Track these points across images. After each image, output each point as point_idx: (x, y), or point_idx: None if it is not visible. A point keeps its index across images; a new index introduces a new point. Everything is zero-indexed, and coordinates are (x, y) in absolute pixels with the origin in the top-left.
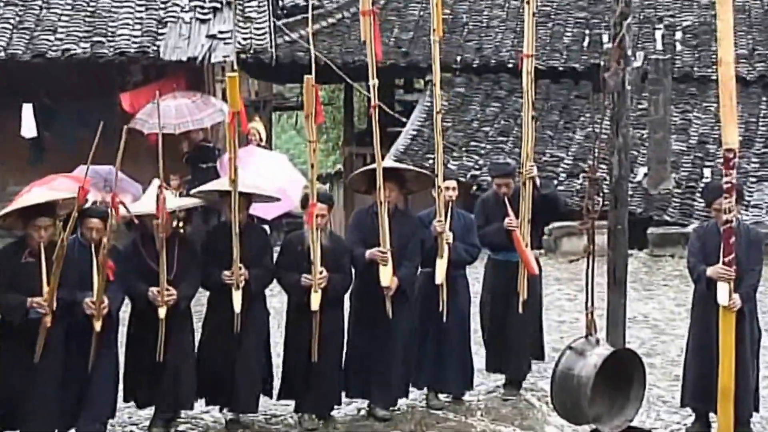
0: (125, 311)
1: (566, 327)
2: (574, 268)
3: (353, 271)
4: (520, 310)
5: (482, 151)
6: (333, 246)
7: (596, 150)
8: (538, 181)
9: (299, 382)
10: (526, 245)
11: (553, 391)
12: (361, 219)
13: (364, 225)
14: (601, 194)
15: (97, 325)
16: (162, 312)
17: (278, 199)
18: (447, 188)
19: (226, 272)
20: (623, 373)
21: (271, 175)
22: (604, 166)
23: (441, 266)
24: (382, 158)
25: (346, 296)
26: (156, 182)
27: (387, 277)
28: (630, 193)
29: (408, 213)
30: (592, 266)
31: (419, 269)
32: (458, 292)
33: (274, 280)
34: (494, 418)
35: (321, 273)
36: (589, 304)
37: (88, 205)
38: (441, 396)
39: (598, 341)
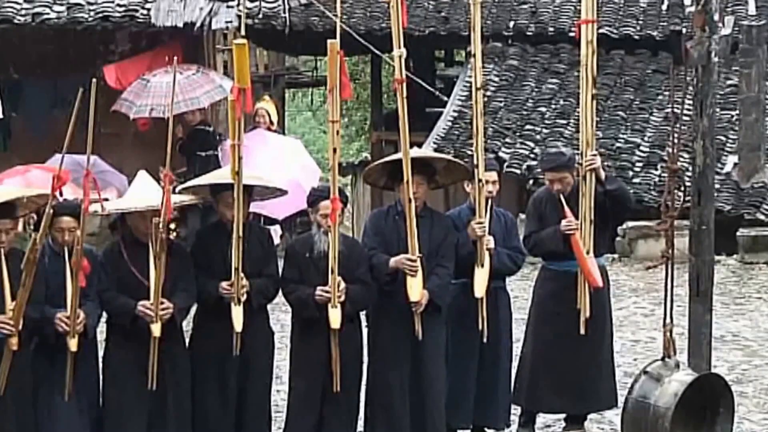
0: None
1: (641, 347)
2: (651, 276)
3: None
4: (582, 330)
5: (538, 137)
6: (348, 252)
7: (677, 135)
8: (602, 174)
9: (313, 417)
10: (587, 252)
11: (625, 423)
12: (380, 221)
13: (385, 228)
14: (682, 188)
15: (73, 344)
16: (156, 329)
17: (284, 192)
18: (487, 182)
19: (225, 284)
20: (707, 403)
21: (283, 164)
22: (686, 155)
23: (481, 277)
24: (419, 145)
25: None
26: (143, 174)
27: (416, 290)
28: (717, 186)
29: (438, 212)
30: (672, 274)
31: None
32: (500, 308)
33: (279, 293)
34: None
35: (339, 284)
36: (668, 319)
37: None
38: (488, 431)
39: (678, 365)
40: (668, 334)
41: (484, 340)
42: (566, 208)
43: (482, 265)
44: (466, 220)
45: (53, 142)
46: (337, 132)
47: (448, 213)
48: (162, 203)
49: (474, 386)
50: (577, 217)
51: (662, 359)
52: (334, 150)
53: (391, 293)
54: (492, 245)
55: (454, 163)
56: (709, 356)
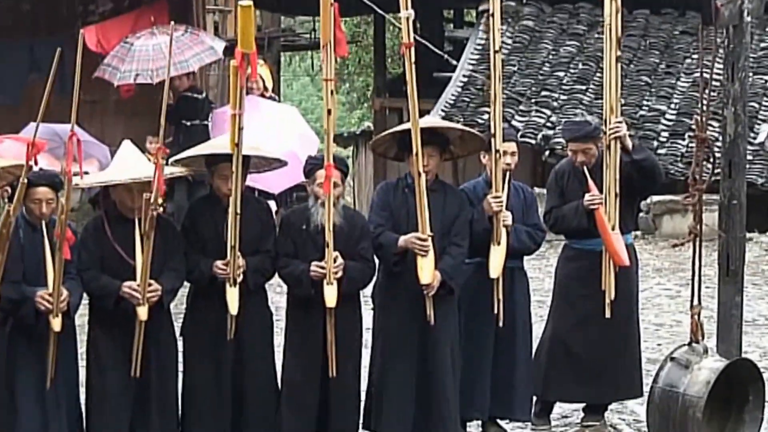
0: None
1: (665, 332)
2: (677, 254)
3: (377, 262)
4: (607, 313)
5: (555, 104)
6: (348, 226)
7: (706, 101)
8: (628, 143)
9: (310, 402)
10: (612, 228)
11: (651, 413)
12: (389, 195)
13: (393, 203)
14: (711, 159)
15: (56, 324)
16: (143, 312)
17: (284, 163)
18: (505, 153)
19: (219, 263)
20: (736, 389)
21: (278, 134)
22: (715, 123)
23: (497, 256)
24: (427, 113)
25: (366, 297)
26: (128, 144)
27: (428, 272)
28: (749, 157)
29: (451, 186)
30: (700, 253)
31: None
32: (516, 290)
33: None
34: None
35: (336, 259)
36: (696, 301)
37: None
38: (502, 423)
39: (706, 350)
40: (696, 317)
41: (500, 324)
42: (590, 182)
43: (498, 243)
44: (482, 194)
45: (29, 110)
46: (332, 92)
47: (462, 187)
48: (152, 176)
49: (489, 374)
50: (601, 191)
51: (689, 344)
52: (329, 111)
53: (399, 274)
54: (509, 221)
55: (469, 133)
56: (739, 341)
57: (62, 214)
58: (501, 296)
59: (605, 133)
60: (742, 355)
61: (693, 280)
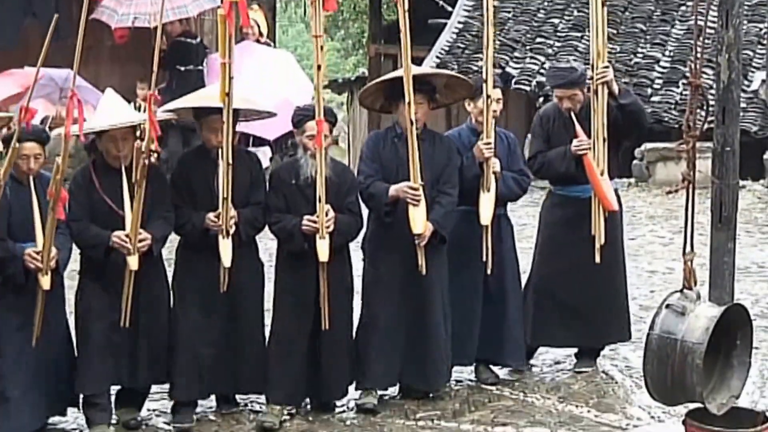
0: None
1: (658, 279)
2: (670, 202)
3: (368, 212)
4: (597, 259)
5: (550, 51)
6: (338, 179)
7: (700, 48)
8: (615, 88)
9: (299, 356)
10: (601, 173)
11: (648, 360)
12: (378, 145)
13: (383, 153)
14: (705, 106)
15: (45, 282)
16: (133, 261)
17: (273, 115)
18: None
19: (211, 215)
20: (723, 335)
21: (273, 80)
22: (709, 70)
23: (487, 203)
24: (422, 60)
25: (356, 247)
26: (110, 92)
27: (420, 221)
28: (743, 105)
29: (439, 134)
30: (693, 199)
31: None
32: (503, 237)
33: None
34: (562, 396)
35: (327, 213)
36: (688, 248)
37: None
38: (495, 368)
39: (699, 296)
40: (689, 263)
41: (488, 271)
42: (578, 127)
43: (488, 190)
44: (468, 142)
45: (24, 54)
46: (321, 47)
47: (447, 134)
48: (134, 122)
49: (479, 321)
50: (588, 136)
51: (680, 291)
52: (319, 67)
53: (391, 224)
54: (498, 168)
55: (456, 79)
56: (731, 288)
57: (57, 174)
58: (489, 243)
59: (591, 78)
60: (734, 302)
61: (686, 227)
